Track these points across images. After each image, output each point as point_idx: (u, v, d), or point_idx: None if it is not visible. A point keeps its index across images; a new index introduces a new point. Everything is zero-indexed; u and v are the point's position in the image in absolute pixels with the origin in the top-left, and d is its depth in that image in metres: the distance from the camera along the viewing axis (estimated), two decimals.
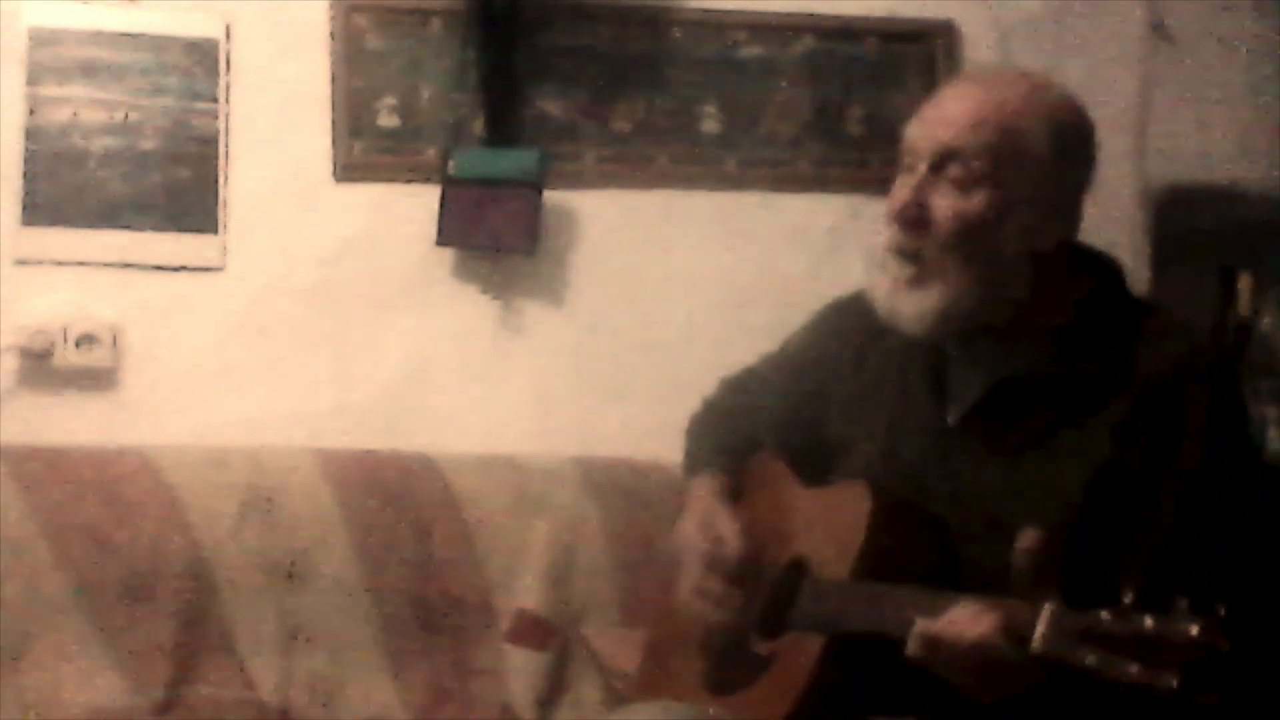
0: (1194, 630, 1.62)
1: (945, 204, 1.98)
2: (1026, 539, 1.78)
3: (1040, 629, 1.72)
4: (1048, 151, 1.99)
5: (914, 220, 1.99)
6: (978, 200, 1.98)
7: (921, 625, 1.82)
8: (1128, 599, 1.67)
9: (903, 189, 2.02)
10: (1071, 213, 2.05)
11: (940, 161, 1.99)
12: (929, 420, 2.08)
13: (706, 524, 2.20)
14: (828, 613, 2.00)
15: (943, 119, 2.02)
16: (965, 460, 2.03)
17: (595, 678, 2.78)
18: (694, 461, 2.35)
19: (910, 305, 2.01)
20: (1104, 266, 2.09)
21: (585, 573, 2.85)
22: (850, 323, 2.21)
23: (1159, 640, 1.64)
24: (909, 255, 2.00)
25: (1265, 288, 3.19)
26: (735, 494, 2.26)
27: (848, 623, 1.96)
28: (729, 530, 2.17)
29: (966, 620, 1.80)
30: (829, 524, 2.09)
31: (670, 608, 2.28)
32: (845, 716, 1.96)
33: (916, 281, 2.00)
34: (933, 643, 1.81)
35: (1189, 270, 3.22)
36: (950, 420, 2.07)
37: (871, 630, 1.91)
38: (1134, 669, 1.64)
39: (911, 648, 1.82)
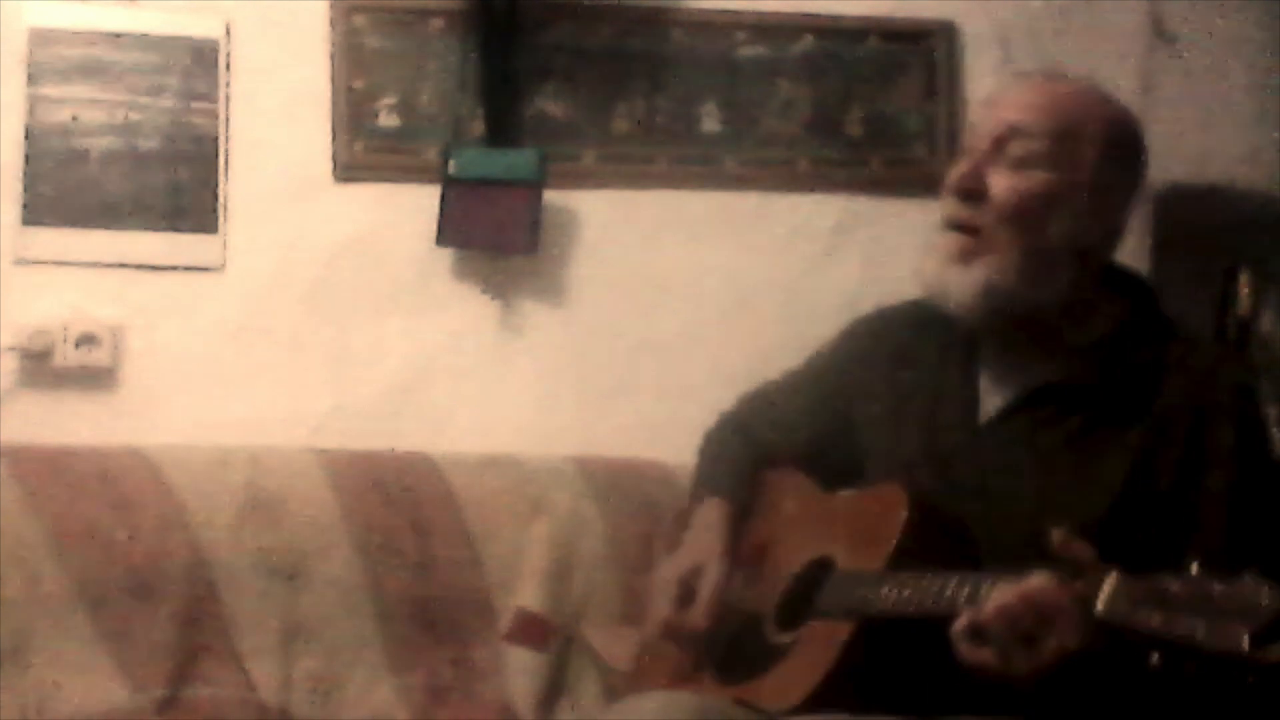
0: (1264, 595, 1.63)
1: (1003, 180, 2.06)
2: (1056, 536, 1.79)
3: (1106, 591, 1.72)
4: (1101, 150, 2.07)
5: (971, 192, 2.06)
6: (1034, 180, 2.05)
7: (993, 592, 1.81)
8: (1194, 569, 1.68)
9: (962, 166, 2.09)
10: (1115, 222, 2.12)
11: (1002, 139, 2.07)
12: (962, 421, 2.12)
13: (688, 577, 2.21)
14: (862, 598, 2.00)
15: (1009, 102, 2.11)
16: (996, 461, 2.07)
17: (595, 677, 2.78)
18: (704, 483, 2.37)
19: (957, 279, 2.07)
20: (1139, 288, 2.16)
21: (585, 573, 2.84)
22: (884, 331, 2.28)
23: (1227, 605, 1.64)
24: (963, 227, 2.07)
25: (1265, 288, 3.18)
26: (742, 517, 2.28)
27: (886, 607, 1.96)
28: (707, 591, 2.19)
29: (1026, 584, 1.79)
30: (861, 524, 2.11)
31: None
32: (864, 699, 1.96)
33: (967, 255, 2.06)
34: (998, 610, 1.79)
35: (1189, 270, 3.22)
36: (983, 421, 2.11)
37: (918, 612, 1.90)
38: (1200, 630, 1.64)
39: (980, 612, 1.80)
